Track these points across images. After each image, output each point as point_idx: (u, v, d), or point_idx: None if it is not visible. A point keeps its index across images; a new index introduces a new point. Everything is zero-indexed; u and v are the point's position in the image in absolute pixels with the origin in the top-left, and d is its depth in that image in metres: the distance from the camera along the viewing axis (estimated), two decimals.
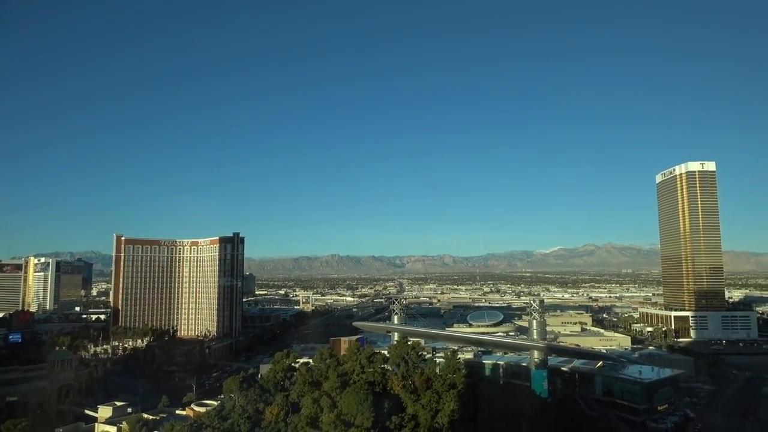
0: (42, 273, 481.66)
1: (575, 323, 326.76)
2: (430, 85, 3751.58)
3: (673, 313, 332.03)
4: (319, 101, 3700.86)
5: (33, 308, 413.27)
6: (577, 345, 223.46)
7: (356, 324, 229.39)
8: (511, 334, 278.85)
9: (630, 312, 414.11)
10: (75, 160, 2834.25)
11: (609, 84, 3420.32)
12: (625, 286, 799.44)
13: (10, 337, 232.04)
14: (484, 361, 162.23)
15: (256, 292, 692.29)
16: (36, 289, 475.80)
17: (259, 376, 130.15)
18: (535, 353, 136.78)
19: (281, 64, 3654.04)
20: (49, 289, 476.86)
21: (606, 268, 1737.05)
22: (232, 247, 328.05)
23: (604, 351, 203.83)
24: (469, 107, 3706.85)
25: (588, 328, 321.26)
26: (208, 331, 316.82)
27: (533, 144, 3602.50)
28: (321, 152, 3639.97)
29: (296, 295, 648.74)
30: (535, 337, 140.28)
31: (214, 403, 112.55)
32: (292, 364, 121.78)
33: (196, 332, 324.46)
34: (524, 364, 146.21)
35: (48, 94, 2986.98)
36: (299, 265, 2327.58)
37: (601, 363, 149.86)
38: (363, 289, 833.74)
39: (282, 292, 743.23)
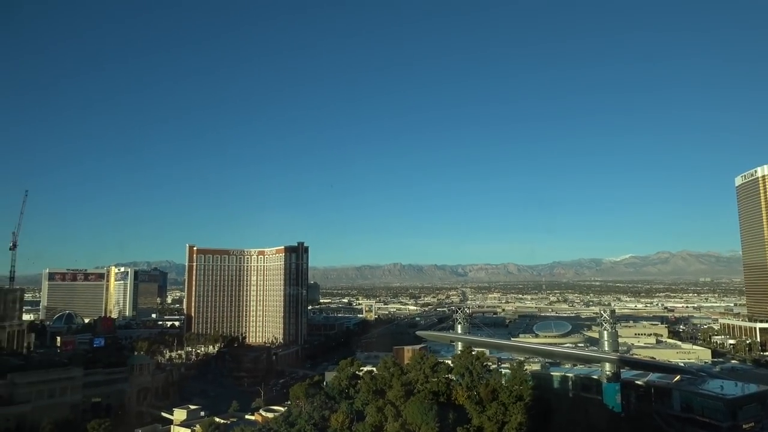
0: (122, 282, 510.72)
1: (649, 335, 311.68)
2: (504, 92, 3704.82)
3: (758, 325, 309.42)
4: (384, 111, 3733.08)
5: (114, 315, 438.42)
6: (652, 358, 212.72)
7: (419, 333, 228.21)
8: (580, 345, 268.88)
9: (709, 323, 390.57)
10: (150, 174, 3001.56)
11: (685, 88, 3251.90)
12: (703, 295, 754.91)
13: (95, 341, 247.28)
14: (552, 373, 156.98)
15: (321, 301, 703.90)
16: (116, 297, 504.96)
17: (325, 383, 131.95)
18: (607, 365, 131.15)
19: (352, 71, 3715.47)
20: (128, 296, 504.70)
21: (682, 277, 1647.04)
22: (296, 256, 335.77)
23: (682, 364, 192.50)
24: (533, 115, 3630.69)
25: (663, 340, 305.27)
26: (275, 338, 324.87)
27: (601, 150, 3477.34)
28: (383, 162, 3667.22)
29: (359, 304, 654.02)
30: (606, 348, 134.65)
31: (281, 409, 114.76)
32: (357, 372, 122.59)
33: (264, 339, 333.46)
34: (595, 376, 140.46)
35: (121, 112, 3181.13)
36: (362, 274, 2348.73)
37: (678, 377, 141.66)
38: (426, 298, 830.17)
39: (345, 300, 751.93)
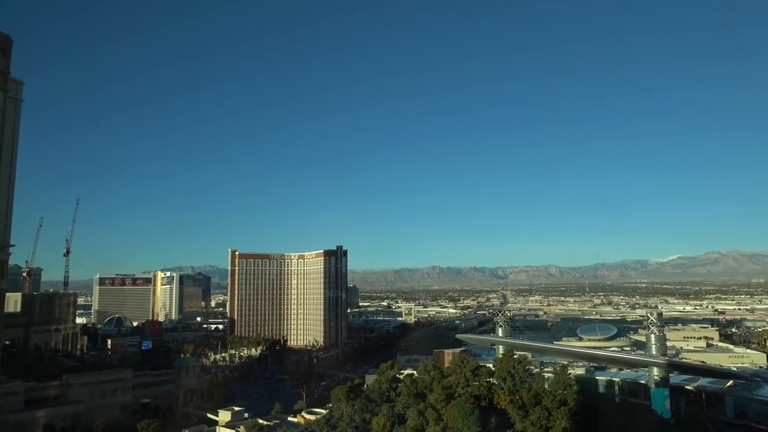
0: (168, 286, 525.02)
1: (699, 338, 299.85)
2: (534, 92, 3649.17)
3: None
4: (423, 113, 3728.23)
5: (161, 318, 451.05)
6: (703, 362, 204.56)
7: (459, 336, 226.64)
8: (626, 349, 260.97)
9: (764, 326, 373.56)
10: (194, 183, 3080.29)
11: (739, 88, 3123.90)
12: (756, 297, 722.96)
13: (143, 344, 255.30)
14: (597, 378, 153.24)
15: (360, 304, 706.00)
16: (163, 301, 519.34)
17: (365, 386, 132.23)
18: (655, 370, 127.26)
19: (387, 72, 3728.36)
20: (174, 300, 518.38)
21: (733, 278, 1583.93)
22: (335, 259, 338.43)
23: (735, 369, 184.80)
24: (576, 115, 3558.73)
25: (714, 343, 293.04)
26: (316, 341, 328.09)
27: (645, 150, 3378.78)
28: (422, 163, 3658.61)
29: (398, 307, 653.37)
30: (654, 352, 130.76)
31: (323, 411, 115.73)
32: (397, 375, 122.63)
33: (305, 342, 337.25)
34: (643, 381, 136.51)
35: (165, 121, 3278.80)
36: (401, 277, 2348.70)
37: (731, 382, 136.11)
38: (465, 301, 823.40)
39: (384, 303, 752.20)
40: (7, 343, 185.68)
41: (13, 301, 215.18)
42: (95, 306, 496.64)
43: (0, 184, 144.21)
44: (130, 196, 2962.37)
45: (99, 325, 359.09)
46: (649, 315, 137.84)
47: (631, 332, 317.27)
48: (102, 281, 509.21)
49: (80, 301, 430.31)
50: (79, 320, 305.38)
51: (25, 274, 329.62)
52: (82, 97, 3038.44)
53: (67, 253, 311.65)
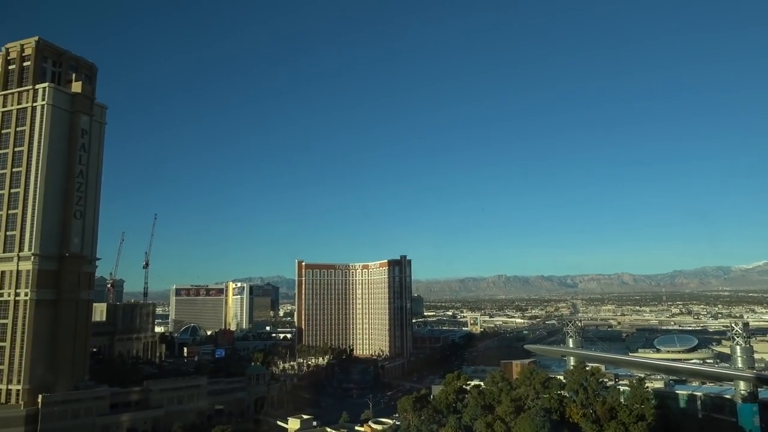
0: (239, 296, 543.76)
1: None
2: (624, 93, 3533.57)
3: None
4: (496, 120, 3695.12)
5: (232, 327, 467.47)
6: None
7: (528, 347, 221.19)
8: (708, 361, 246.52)
9: None
10: (263, 196, 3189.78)
11: None
12: None
13: (216, 352, 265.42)
14: (677, 392, 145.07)
15: (425, 314, 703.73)
16: (234, 310, 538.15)
17: (431, 396, 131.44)
18: (742, 384, 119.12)
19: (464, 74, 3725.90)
20: (244, 310, 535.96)
21: None
22: (399, 269, 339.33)
23: None
24: (656, 115, 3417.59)
25: None
26: (381, 350, 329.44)
27: (732, 152, 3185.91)
28: (485, 170, 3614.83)
29: (464, 317, 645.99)
30: (739, 365, 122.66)
31: (389, 421, 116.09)
32: (464, 387, 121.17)
33: (370, 351, 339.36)
34: (728, 396, 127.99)
35: (235, 138, 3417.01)
36: (465, 286, 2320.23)
37: None
38: (533, 311, 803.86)
39: (449, 313, 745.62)
40: (94, 350, 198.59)
41: (99, 311, 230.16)
42: (172, 315, 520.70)
43: (87, 202, 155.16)
44: (203, 209, 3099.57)
45: (176, 334, 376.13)
46: (733, 325, 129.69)
47: (714, 343, 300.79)
48: (178, 292, 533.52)
49: (158, 310, 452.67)
50: (157, 329, 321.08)
51: (109, 285, 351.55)
52: (157, 120, 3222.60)
53: (146, 265, 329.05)
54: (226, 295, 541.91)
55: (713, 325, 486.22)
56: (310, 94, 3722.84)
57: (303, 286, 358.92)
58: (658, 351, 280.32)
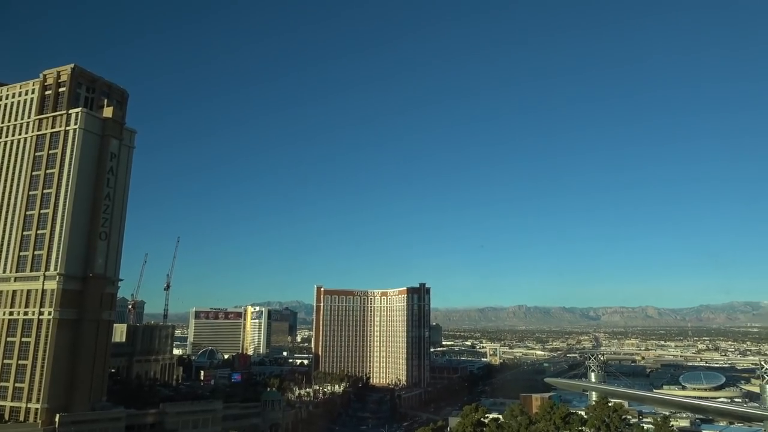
0: (257, 320, 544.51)
1: None
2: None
3: None
4: (514, 148, 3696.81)
5: (249, 351, 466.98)
6: None
7: (548, 380, 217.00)
8: (737, 400, 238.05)
9: None
10: (284, 222, 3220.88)
11: None
12: None
13: (233, 376, 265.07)
14: (703, 431, 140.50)
15: (443, 343, 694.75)
16: (252, 335, 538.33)
17: (448, 429, 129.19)
18: None
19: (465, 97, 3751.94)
20: (262, 334, 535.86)
21: None
22: (418, 297, 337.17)
23: None
24: (672, 135, 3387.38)
25: None
26: (398, 379, 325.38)
27: (758, 176, 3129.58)
28: (504, 202, 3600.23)
29: (483, 347, 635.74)
30: None
31: None
32: (482, 419, 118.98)
33: (387, 380, 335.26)
34: None
35: (260, 159, 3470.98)
36: (485, 316, 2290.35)
37: None
38: (554, 343, 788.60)
39: (468, 343, 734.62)
40: (112, 370, 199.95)
41: (120, 332, 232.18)
42: (191, 338, 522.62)
43: (113, 224, 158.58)
44: (225, 234, 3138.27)
45: (193, 357, 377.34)
46: (763, 363, 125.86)
47: (743, 382, 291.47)
48: (198, 314, 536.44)
49: (177, 333, 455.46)
50: (175, 351, 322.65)
51: (130, 306, 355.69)
52: (181, 144, 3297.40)
53: (168, 287, 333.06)
54: (245, 319, 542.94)
55: (742, 362, 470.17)
56: (337, 124, 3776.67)
57: (321, 312, 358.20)
58: (684, 388, 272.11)
